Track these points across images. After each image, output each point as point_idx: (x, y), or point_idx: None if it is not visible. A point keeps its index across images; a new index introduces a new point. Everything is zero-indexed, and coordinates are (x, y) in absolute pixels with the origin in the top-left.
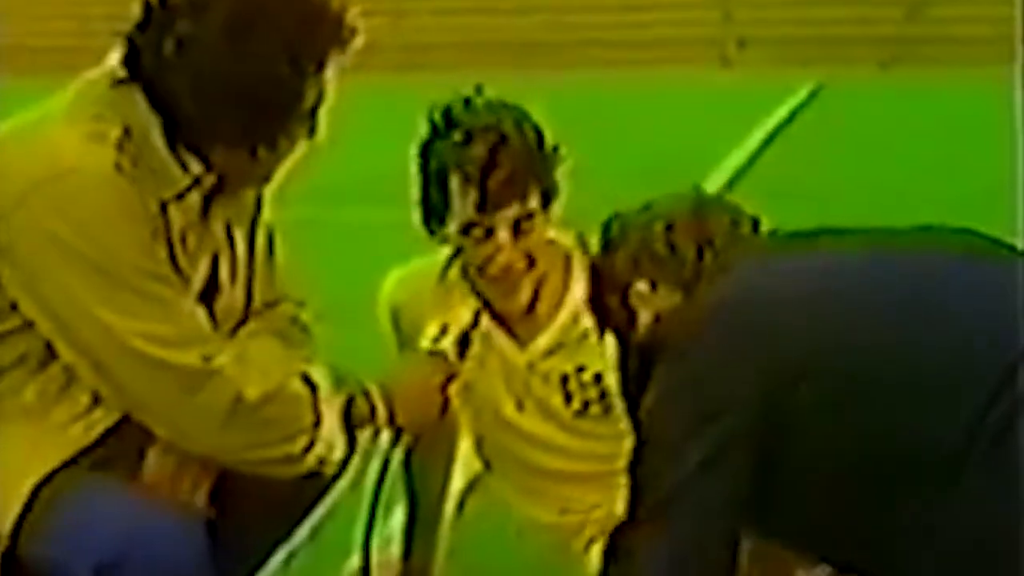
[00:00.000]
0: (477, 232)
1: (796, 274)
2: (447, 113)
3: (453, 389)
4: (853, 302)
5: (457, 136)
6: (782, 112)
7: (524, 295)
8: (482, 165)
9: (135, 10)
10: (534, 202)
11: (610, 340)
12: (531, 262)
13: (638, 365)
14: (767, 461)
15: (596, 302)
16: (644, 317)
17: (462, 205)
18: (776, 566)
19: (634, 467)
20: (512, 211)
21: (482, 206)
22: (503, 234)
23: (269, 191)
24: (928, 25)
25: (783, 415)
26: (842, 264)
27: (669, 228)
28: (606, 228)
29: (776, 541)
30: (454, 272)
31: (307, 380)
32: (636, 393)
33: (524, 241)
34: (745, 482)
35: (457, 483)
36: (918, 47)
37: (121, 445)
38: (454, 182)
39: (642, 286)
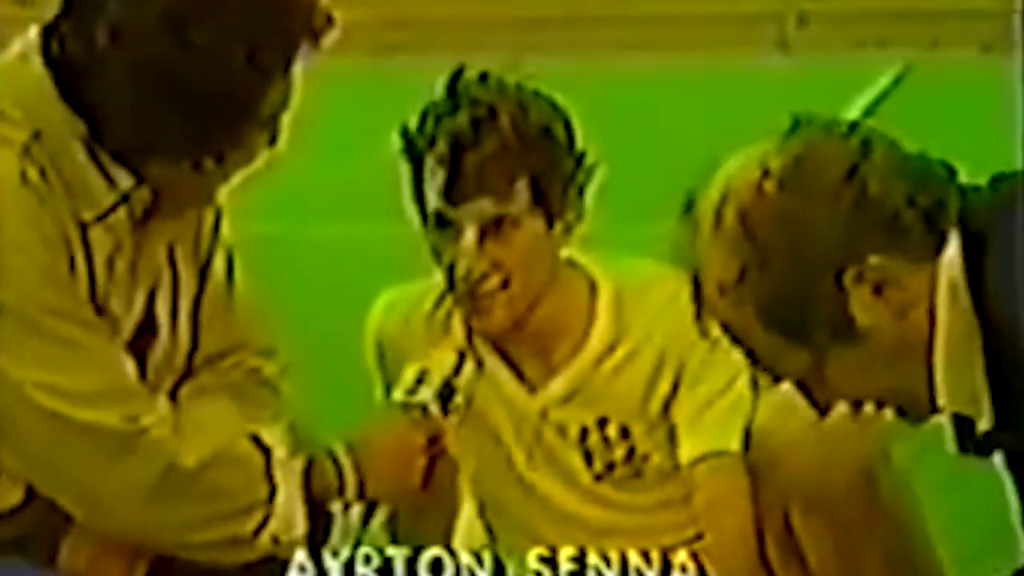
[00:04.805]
0: (450, 232)
1: None
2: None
3: (438, 451)
4: None
5: (444, 106)
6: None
7: (497, 318)
8: (457, 141)
9: None
10: (521, 202)
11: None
12: (507, 279)
13: None
14: None
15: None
16: (866, 312)
17: (430, 191)
18: None
19: None
20: (483, 205)
21: (449, 192)
22: (469, 234)
23: (229, 205)
24: None
25: None
26: None
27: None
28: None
29: None
30: (451, 300)
31: (257, 442)
32: None
33: (496, 248)
34: None
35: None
36: None
37: (30, 527)
38: (428, 161)
39: (875, 260)
